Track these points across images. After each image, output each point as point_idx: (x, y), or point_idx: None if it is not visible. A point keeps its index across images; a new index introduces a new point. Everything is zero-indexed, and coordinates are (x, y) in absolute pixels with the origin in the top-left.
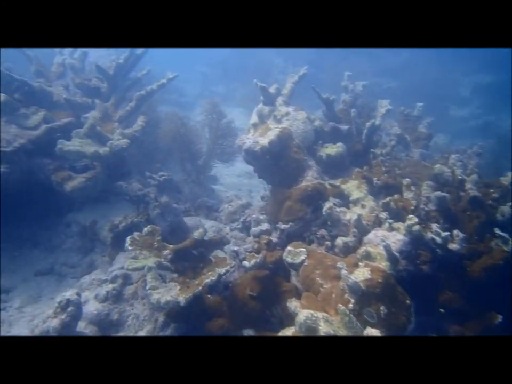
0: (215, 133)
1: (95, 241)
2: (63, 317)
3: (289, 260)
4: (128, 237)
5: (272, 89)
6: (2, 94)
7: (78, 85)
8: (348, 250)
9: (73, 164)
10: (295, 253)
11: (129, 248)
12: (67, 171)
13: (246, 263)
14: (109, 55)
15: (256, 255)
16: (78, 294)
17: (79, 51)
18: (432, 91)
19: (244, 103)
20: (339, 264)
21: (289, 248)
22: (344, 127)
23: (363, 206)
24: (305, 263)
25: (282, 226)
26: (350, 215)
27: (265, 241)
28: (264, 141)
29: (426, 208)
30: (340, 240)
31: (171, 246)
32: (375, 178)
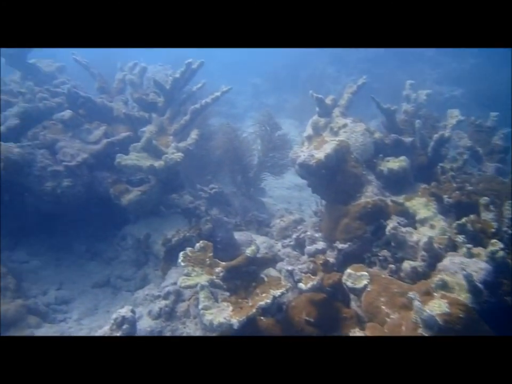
0: (267, 145)
1: (149, 254)
2: (118, 334)
3: (349, 284)
4: (181, 253)
5: (328, 100)
6: (68, 111)
7: (136, 100)
8: (417, 276)
9: (130, 177)
10: (357, 277)
11: (182, 264)
12: (124, 184)
13: (302, 285)
14: (165, 69)
15: (312, 277)
16: (133, 311)
17: (138, 67)
18: (505, 100)
19: (294, 114)
20: (411, 294)
21: (349, 271)
22: (408, 139)
23: (432, 227)
24: (368, 289)
25: (340, 245)
26: (418, 236)
27: (321, 262)
28: (319, 154)
29: (510, 232)
30: (407, 264)
31: (223, 263)
32: (446, 196)
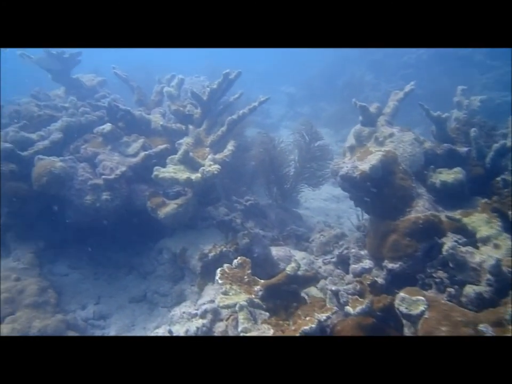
0: (305, 155)
1: (185, 269)
2: None
3: (403, 309)
4: (219, 270)
5: (372, 109)
6: (108, 124)
7: (173, 112)
8: (483, 303)
9: (166, 190)
10: (412, 302)
11: (220, 281)
12: (161, 197)
13: (349, 309)
14: (202, 81)
15: (360, 299)
16: (170, 332)
17: (176, 79)
18: None
19: (330, 123)
20: (483, 327)
21: (403, 294)
22: (463, 149)
23: (497, 247)
24: (426, 316)
25: (390, 265)
26: (481, 257)
27: (369, 282)
28: (364, 165)
29: None
30: (469, 289)
31: (262, 281)
32: (511, 212)
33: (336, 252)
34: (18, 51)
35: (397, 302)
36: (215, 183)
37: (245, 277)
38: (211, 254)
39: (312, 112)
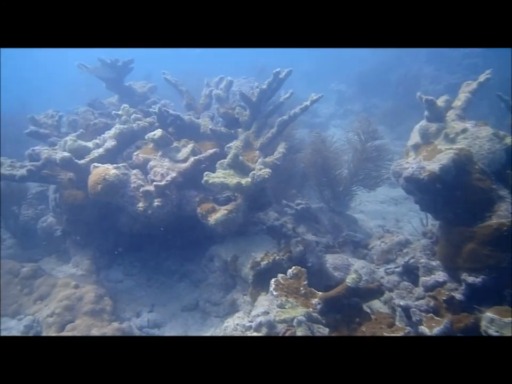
0: (360, 156)
1: (236, 277)
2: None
3: (493, 333)
4: (273, 281)
5: (440, 102)
6: (158, 130)
7: (222, 115)
8: None
9: (216, 195)
10: (504, 325)
11: (274, 293)
12: (211, 203)
13: (425, 329)
14: (249, 82)
15: (435, 318)
16: None
17: (224, 81)
18: None
19: (384, 120)
20: None
21: (490, 315)
22: None
23: None
24: None
25: (470, 279)
26: None
27: (444, 298)
28: (432, 166)
29: None
30: None
31: (320, 293)
32: None
33: (401, 261)
34: (76, 62)
35: (484, 323)
36: (266, 187)
37: (301, 288)
38: (263, 263)
39: (363, 110)
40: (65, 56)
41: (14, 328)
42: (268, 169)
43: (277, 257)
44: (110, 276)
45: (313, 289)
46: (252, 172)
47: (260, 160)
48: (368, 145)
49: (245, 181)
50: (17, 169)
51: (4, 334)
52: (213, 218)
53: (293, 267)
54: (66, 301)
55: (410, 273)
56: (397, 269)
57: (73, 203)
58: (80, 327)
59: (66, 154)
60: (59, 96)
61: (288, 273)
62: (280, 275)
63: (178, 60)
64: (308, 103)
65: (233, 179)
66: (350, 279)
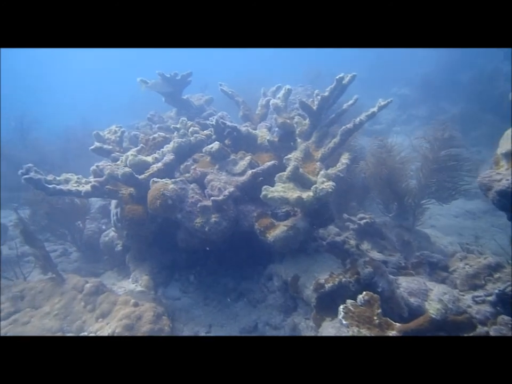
0: (431, 165)
1: (298, 299)
2: None
3: None
4: (342, 308)
5: None
6: (216, 143)
7: (280, 125)
8: None
9: (275, 210)
10: None
11: (344, 322)
12: (269, 218)
13: None
14: (306, 90)
15: None
16: None
17: (282, 90)
18: None
19: (454, 125)
20: None
21: None
22: None
23: None
24: None
25: None
26: None
27: None
28: None
29: None
30: None
31: (397, 324)
32: None
33: (493, 288)
34: (138, 78)
35: None
36: (329, 202)
37: (375, 317)
38: (328, 285)
39: (431, 114)
40: (122, 71)
41: None
42: (331, 183)
43: (343, 279)
44: (167, 292)
45: (388, 319)
46: (314, 186)
47: (322, 172)
48: (442, 154)
49: (306, 195)
50: (83, 185)
51: None
52: (271, 235)
53: (364, 293)
54: (126, 320)
55: (506, 303)
56: (489, 298)
57: (132, 218)
58: None
59: (127, 169)
60: (119, 112)
61: (358, 300)
62: (349, 301)
63: (231, 67)
64: (375, 109)
65: (293, 193)
66: (434, 310)
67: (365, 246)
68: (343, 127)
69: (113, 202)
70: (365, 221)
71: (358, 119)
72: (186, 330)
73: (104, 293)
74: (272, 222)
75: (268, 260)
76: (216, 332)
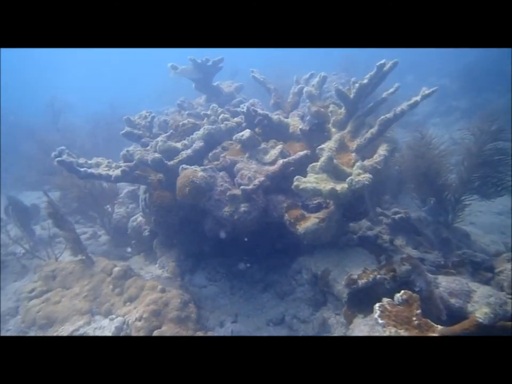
0: (474, 160)
1: (327, 294)
2: None
3: None
4: (378, 306)
5: None
6: (247, 130)
7: (314, 114)
8: None
9: (305, 201)
10: None
11: (380, 321)
12: (300, 209)
13: None
14: (340, 78)
15: None
16: None
17: (316, 77)
18: None
19: (500, 118)
20: None
21: None
22: None
23: None
24: None
25: None
26: None
27: None
28: None
29: None
30: None
31: (439, 327)
32: None
33: None
34: (169, 64)
35: None
36: (364, 195)
37: (414, 318)
38: (362, 281)
39: (472, 106)
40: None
41: (106, 327)
42: (368, 175)
43: (378, 276)
44: (194, 280)
45: (429, 320)
46: (350, 178)
47: (358, 163)
48: (487, 147)
49: (340, 187)
50: (113, 169)
51: (97, 333)
52: (302, 227)
53: (402, 291)
54: (153, 306)
55: None
56: None
57: (161, 204)
58: (167, 334)
59: (157, 155)
60: (148, 98)
61: (396, 298)
62: (385, 299)
63: (262, 55)
64: (417, 98)
65: (326, 184)
66: (481, 313)
67: (399, 241)
68: (382, 116)
69: (142, 187)
70: (399, 215)
71: (400, 108)
72: (212, 319)
73: (132, 277)
74: (302, 213)
75: (295, 251)
76: (242, 322)
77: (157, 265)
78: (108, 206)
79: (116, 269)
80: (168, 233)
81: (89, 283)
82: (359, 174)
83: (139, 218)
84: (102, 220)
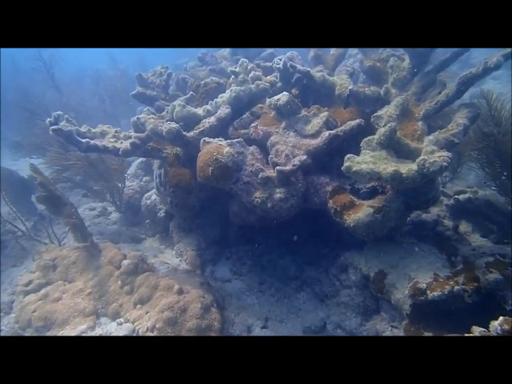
0: None
1: (381, 300)
2: None
3: None
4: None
5: None
6: (284, 93)
7: (367, 70)
8: None
9: (355, 184)
10: None
11: None
12: (348, 195)
13: None
14: None
15: None
16: None
17: None
18: None
19: None
20: None
21: None
22: None
23: None
24: None
25: None
26: None
27: None
28: None
29: None
30: None
31: None
32: None
33: None
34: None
35: None
36: (436, 179)
37: None
38: (433, 294)
39: None
40: None
41: (113, 333)
42: (445, 153)
43: (456, 288)
44: (216, 272)
45: None
46: (421, 158)
47: (429, 137)
48: None
49: (406, 169)
50: (121, 140)
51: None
52: (351, 218)
53: (501, 319)
54: (169, 312)
55: None
56: None
57: (178, 184)
58: None
59: (173, 125)
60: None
61: (493, 328)
62: (476, 328)
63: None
64: (509, 50)
65: (387, 165)
66: None
67: (464, 227)
68: (466, 72)
69: (157, 161)
70: (465, 195)
71: (494, 59)
72: (238, 323)
73: (144, 271)
74: (352, 200)
75: (341, 245)
76: (273, 328)
77: (173, 252)
78: (117, 181)
79: (125, 262)
80: (187, 216)
81: (95, 277)
82: (432, 152)
83: (153, 196)
84: (112, 195)
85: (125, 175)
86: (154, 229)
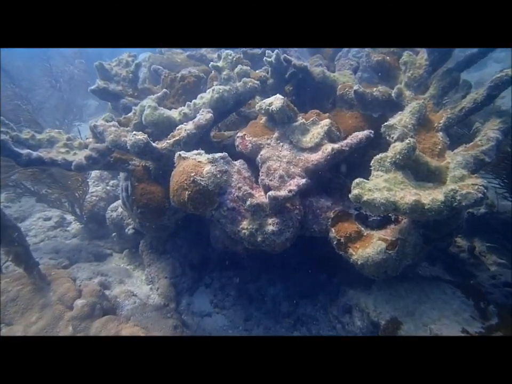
0: None
1: None
2: None
3: None
4: None
5: None
6: (278, 97)
7: (376, 65)
8: None
9: (363, 209)
10: None
11: None
12: (354, 222)
13: None
14: None
15: None
16: None
17: None
18: None
19: None
20: None
21: None
22: None
23: None
24: None
25: None
26: None
27: None
28: None
29: None
30: None
31: None
32: None
33: None
34: None
35: None
36: (462, 210)
37: None
38: None
39: None
40: None
41: None
42: (480, 181)
43: None
44: (194, 305)
45: None
46: (450, 188)
47: (458, 158)
48: None
49: (430, 199)
50: (74, 151)
51: None
52: (359, 254)
53: None
54: None
55: None
56: None
57: (148, 204)
58: None
59: (139, 137)
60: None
61: None
62: None
63: None
64: None
65: (405, 193)
66: None
67: (478, 245)
68: (498, 74)
69: (122, 173)
70: (482, 210)
71: None
72: None
73: (103, 313)
74: (358, 229)
75: (346, 282)
76: None
77: (144, 278)
78: (77, 188)
79: (79, 303)
80: (160, 235)
81: (38, 320)
82: (462, 179)
83: (120, 208)
84: (71, 204)
85: (87, 179)
86: (123, 244)
